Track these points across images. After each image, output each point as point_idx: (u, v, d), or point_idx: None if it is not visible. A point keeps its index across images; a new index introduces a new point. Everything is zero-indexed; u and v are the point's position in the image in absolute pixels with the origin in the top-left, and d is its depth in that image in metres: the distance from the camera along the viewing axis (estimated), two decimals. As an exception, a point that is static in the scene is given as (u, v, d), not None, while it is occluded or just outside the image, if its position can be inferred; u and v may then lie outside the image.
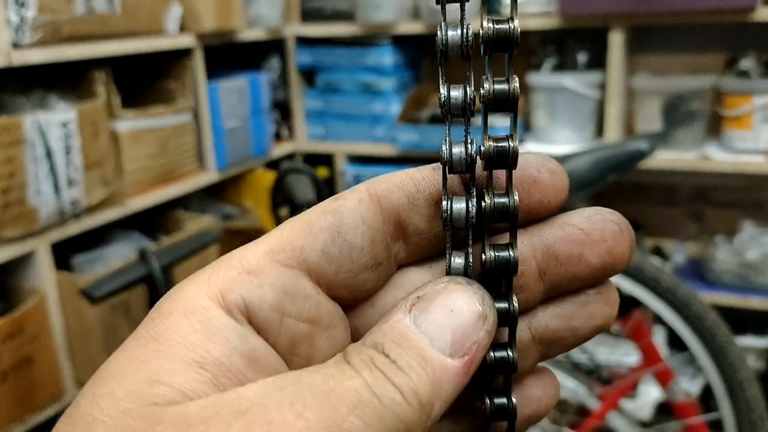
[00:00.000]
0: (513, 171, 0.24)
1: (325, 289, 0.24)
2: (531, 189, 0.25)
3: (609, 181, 1.22)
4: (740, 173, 1.78)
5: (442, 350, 0.22)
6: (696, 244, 1.97)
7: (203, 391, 0.21)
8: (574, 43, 1.90)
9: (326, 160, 2.20)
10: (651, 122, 1.82)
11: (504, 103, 0.24)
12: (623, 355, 1.71)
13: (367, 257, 0.24)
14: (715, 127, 1.83)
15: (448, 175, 0.25)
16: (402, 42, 2.06)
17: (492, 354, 0.25)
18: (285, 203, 1.34)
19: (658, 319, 1.32)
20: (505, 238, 0.25)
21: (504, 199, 0.24)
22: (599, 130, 1.89)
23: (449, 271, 0.25)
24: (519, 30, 0.23)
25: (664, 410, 1.65)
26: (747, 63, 1.73)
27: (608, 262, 0.25)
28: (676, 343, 1.62)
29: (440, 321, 0.22)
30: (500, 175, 0.25)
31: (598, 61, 1.86)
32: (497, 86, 0.24)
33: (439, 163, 0.25)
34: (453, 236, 0.25)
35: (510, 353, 0.25)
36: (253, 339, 0.22)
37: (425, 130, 1.95)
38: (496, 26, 0.23)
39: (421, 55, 2.22)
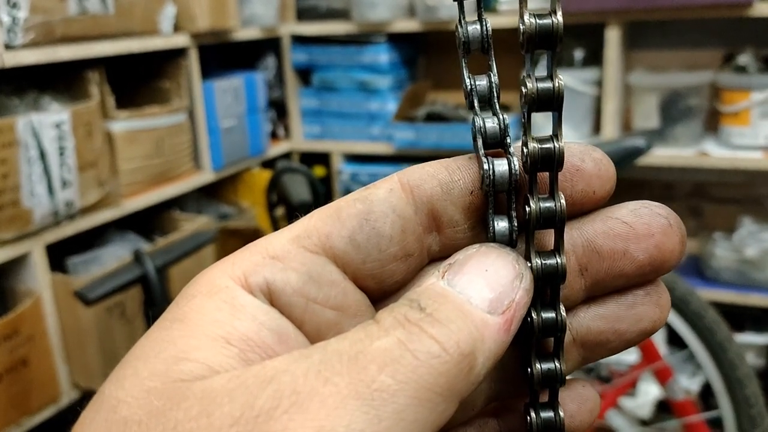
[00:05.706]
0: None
1: (352, 277, 0.23)
2: (574, 178, 0.24)
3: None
4: (739, 169, 1.77)
5: (482, 307, 0.21)
6: (694, 240, 1.97)
7: (231, 366, 0.20)
8: (571, 39, 1.90)
9: (323, 158, 2.19)
10: (648, 119, 1.82)
11: (548, 103, 0.23)
12: (622, 353, 1.70)
13: (397, 247, 0.23)
14: (713, 123, 1.82)
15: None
16: (397, 40, 2.05)
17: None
18: (280, 203, 1.33)
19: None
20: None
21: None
22: (596, 126, 1.88)
23: (494, 235, 0.24)
24: (562, 25, 0.22)
25: (664, 408, 1.65)
26: (744, 58, 1.72)
27: (656, 258, 0.24)
28: (675, 340, 1.62)
29: (476, 281, 0.21)
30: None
31: (595, 58, 1.85)
32: (541, 84, 0.23)
33: (473, 154, 0.24)
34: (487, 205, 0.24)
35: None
36: (280, 317, 0.22)
37: (421, 128, 1.94)
38: (538, 21, 0.22)
39: (417, 53, 2.22)
